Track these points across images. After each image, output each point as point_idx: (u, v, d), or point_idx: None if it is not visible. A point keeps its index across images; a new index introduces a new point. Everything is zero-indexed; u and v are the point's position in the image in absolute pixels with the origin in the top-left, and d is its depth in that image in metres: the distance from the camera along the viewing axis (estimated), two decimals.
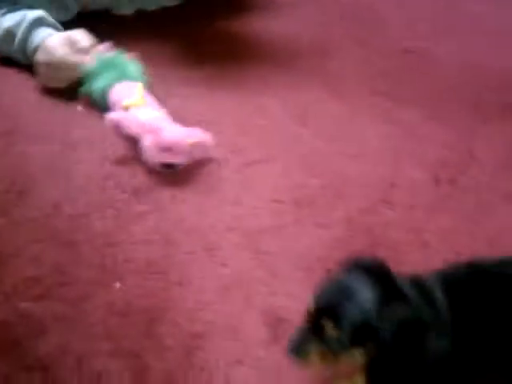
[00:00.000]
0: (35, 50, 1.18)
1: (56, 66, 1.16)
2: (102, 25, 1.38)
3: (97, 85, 1.12)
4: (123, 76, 1.11)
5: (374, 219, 0.94)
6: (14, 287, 0.80)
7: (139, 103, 1.05)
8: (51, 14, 1.29)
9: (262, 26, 1.49)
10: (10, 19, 1.23)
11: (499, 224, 0.95)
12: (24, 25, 1.21)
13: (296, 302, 0.80)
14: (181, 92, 1.23)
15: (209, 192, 0.99)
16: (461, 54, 1.41)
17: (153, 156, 0.98)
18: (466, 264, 0.67)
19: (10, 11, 1.25)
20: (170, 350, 0.74)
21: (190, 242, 0.89)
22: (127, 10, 1.49)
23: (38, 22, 1.21)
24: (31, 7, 1.25)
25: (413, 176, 1.03)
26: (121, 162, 1.04)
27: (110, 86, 1.10)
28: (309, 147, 1.09)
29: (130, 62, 1.15)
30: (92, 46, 1.17)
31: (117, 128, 1.02)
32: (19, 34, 1.21)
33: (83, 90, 1.14)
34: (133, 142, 1.02)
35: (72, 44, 1.16)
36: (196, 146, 1.00)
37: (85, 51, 1.16)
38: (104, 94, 1.11)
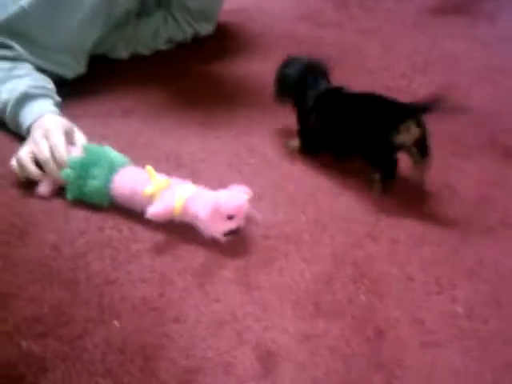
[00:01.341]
0: (28, 130, 1.13)
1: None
2: (99, 68, 1.46)
3: (90, 187, 1.04)
4: (114, 166, 1.05)
5: (359, 253, 0.99)
6: (16, 327, 0.84)
7: (164, 185, 1.00)
8: (68, 69, 1.33)
9: (250, 67, 1.56)
10: (6, 90, 1.18)
11: (478, 256, 0.99)
12: (11, 102, 1.17)
13: (285, 336, 0.84)
14: (175, 133, 1.29)
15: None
16: (439, 89, 1.48)
17: (217, 227, 0.97)
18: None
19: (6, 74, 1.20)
20: None
21: (184, 279, 0.93)
22: (123, 54, 1.56)
23: (24, 98, 1.16)
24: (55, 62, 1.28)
25: (396, 211, 1.08)
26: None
27: (107, 181, 1.04)
28: (296, 184, 1.14)
29: (105, 150, 1.08)
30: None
31: (167, 217, 0.99)
32: (8, 112, 1.18)
33: (71, 196, 1.07)
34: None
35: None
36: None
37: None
38: (103, 191, 1.04)
